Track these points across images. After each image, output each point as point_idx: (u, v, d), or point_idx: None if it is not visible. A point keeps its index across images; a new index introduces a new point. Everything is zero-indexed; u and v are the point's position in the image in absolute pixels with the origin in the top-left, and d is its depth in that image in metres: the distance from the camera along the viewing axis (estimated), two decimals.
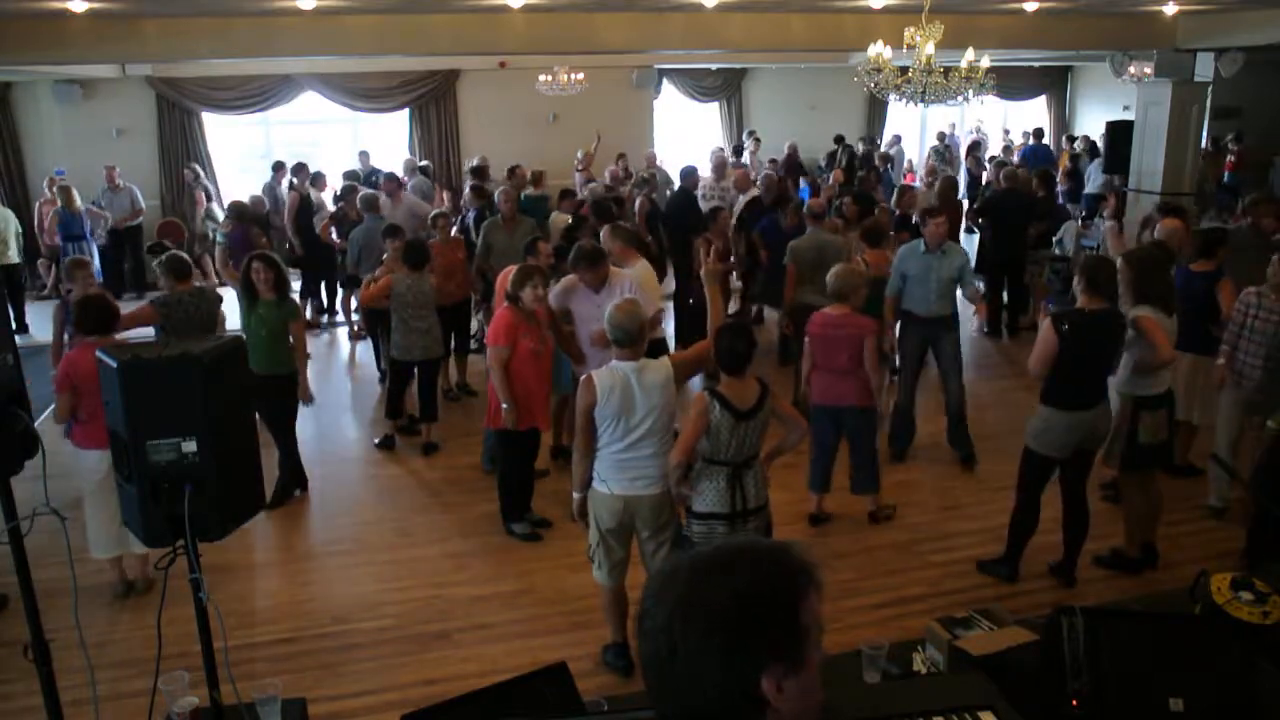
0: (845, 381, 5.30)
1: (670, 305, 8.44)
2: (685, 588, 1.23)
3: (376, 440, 7.07)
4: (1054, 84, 18.14)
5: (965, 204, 11.78)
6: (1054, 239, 9.26)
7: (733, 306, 9.32)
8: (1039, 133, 15.74)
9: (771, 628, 1.21)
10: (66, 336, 6.05)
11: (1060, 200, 11.95)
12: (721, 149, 14.89)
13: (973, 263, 7.11)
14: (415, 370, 6.88)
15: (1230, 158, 13.49)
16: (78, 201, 11.04)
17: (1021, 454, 4.84)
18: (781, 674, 1.21)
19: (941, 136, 16.19)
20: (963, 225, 10.46)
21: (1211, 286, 5.61)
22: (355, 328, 9.93)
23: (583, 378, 3.97)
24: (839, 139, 15.54)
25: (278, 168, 12.34)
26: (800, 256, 7.17)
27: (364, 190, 9.53)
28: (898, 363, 6.73)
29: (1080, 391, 4.58)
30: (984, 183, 13.15)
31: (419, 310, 6.68)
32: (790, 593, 1.23)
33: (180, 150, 13.65)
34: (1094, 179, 13.17)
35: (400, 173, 11.92)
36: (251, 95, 13.86)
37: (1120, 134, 11.64)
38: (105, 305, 4.85)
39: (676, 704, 1.25)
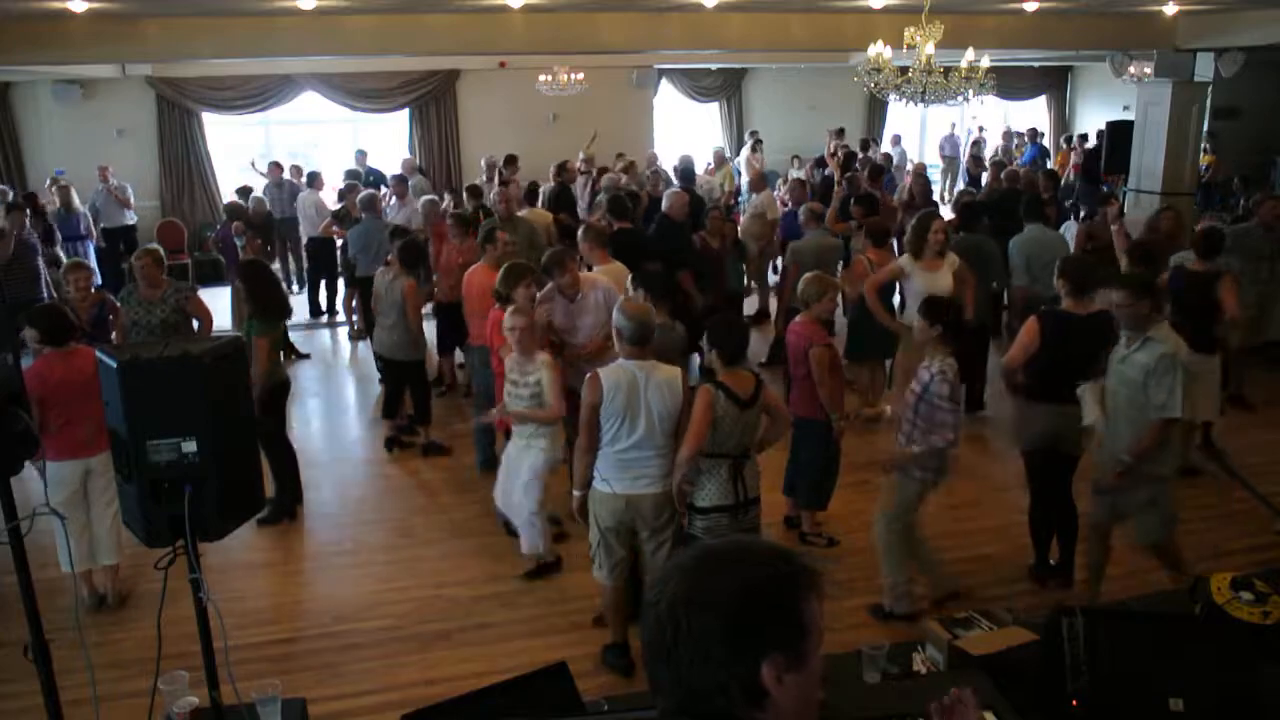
0: (794, 388, 5.19)
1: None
2: (692, 577, 1.29)
3: (386, 440, 6.98)
4: (1054, 84, 18.13)
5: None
6: None
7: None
8: (1033, 134, 15.70)
9: (773, 618, 1.27)
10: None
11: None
12: (722, 149, 14.89)
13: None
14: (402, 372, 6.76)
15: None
16: (76, 202, 11.00)
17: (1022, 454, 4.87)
18: (782, 666, 1.26)
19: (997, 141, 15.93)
20: None
21: (1212, 286, 5.60)
22: (355, 327, 9.92)
23: (588, 375, 3.99)
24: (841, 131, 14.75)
25: (295, 171, 12.30)
26: (801, 258, 7.21)
27: (364, 189, 9.51)
28: None
29: (1055, 388, 4.54)
30: (983, 183, 13.11)
31: (387, 309, 6.55)
32: (791, 587, 1.29)
33: (180, 150, 13.65)
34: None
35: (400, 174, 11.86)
36: (251, 95, 13.86)
37: (1120, 134, 11.63)
38: (61, 315, 4.80)
39: (681, 691, 1.28)
